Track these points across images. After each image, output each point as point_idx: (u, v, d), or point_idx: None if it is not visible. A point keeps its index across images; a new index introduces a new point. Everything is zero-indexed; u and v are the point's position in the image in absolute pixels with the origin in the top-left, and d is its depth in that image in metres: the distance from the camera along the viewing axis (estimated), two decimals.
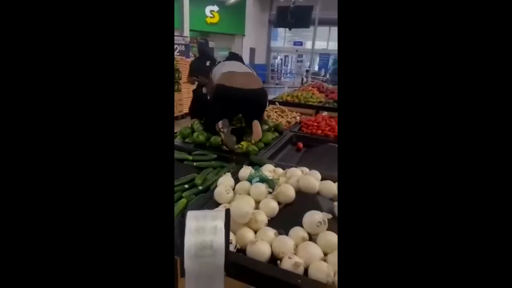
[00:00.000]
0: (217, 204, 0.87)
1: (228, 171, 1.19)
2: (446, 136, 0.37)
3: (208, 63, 3.11)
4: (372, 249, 0.39)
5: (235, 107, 1.59)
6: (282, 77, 15.39)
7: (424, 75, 0.38)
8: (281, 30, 12.95)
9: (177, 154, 1.34)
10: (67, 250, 0.38)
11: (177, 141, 1.58)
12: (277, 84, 12.82)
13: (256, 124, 1.61)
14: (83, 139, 0.40)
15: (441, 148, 0.37)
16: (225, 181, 0.95)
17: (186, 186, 1.03)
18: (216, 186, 1.01)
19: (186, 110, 4.94)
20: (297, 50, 14.86)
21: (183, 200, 0.93)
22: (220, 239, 0.46)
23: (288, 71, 16.15)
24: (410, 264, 0.37)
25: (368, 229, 0.39)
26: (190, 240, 0.46)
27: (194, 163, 1.24)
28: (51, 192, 0.38)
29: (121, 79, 0.41)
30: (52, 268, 0.38)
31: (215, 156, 1.32)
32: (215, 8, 9.47)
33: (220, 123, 1.51)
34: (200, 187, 1.03)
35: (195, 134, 1.50)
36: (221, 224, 0.48)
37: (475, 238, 0.35)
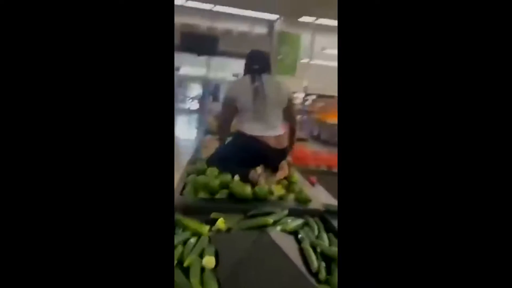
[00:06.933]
0: None
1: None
2: (446, 140, 0.37)
3: None
4: (373, 247, 0.39)
5: (258, 160, 1.39)
6: None
7: (424, 79, 0.38)
8: None
9: (231, 219, 0.97)
10: (66, 254, 0.37)
11: (199, 199, 1.17)
12: None
13: (284, 164, 1.45)
14: (82, 138, 0.39)
15: (442, 154, 0.38)
16: None
17: None
18: None
19: None
20: None
21: None
22: None
23: None
24: (411, 263, 0.38)
25: (367, 229, 0.40)
26: None
27: (278, 227, 0.94)
28: (51, 194, 0.37)
29: (121, 81, 0.40)
30: (52, 268, 0.37)
31: (286, 212, 1.06)
32: None
33: (258, 169, 1.25)
34: None
35: (234, 187, 1.17)
36: None
37: (475, 238, 0.36)
